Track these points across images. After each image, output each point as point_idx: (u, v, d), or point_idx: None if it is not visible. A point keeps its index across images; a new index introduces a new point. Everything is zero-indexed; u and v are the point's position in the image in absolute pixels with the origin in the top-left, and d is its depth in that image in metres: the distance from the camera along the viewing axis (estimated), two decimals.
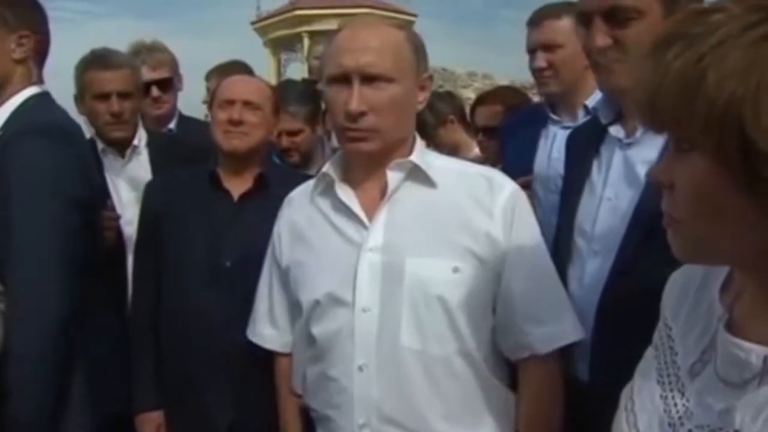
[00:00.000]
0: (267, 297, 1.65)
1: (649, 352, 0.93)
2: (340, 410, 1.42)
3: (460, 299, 1.38)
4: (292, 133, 2.65)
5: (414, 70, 1.44)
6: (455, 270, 1.38)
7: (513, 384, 1.49)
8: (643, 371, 0.92)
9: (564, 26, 2.28)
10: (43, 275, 1.62)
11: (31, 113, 1.76)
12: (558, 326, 1.43)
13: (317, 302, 1.45)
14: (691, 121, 0.68)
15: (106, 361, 1.91)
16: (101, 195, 2.05)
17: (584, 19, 1.44)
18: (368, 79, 1.37)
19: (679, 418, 0.81)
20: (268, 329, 1.65)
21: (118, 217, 2.22)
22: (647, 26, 1.36)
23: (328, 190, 1.50)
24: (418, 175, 1.44)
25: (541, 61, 2.35)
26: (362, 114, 1.37)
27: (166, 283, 2.00)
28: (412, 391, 1.38)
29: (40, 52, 1.88)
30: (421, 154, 1.48)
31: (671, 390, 0.84)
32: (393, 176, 1.43)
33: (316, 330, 1.46)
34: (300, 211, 1.57)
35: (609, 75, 1.43)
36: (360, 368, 1.39)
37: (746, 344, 0.74)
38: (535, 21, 2.39)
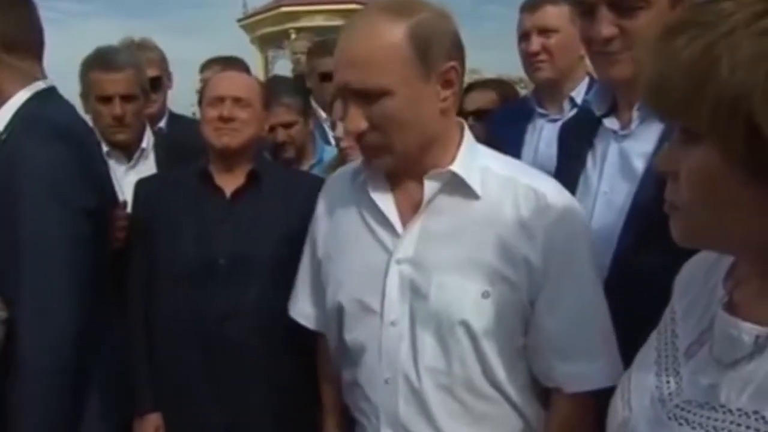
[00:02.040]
0: (309, 275, 1.57)
1: (653, 335, 0.94)
2: (369, 418, 1.39)
3: (486, 326, 1.28)
4: (287, 125, 2.65)
5: (419, 71, 1.24)
6: (485, 295, 1.27)
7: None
8: (643, 352, 0.94)
9: (561, 12, 2.28)
10: (53, 285, 1.57)
11: (36, 114, 1.68)
12: (589, 367, 1.30)
13: (341, 305, 1.40)
14: (700, 110, 0.69)
15: (124, 363, 1.89)
16: (111, 197, 2.00)
17: (586, 8, 1.41)
18: (359, 95, 1.25)
19: (669, 394, 0.84)
20: (310, 307, 1.58)
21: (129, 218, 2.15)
22: (654, 16, 1.33)
23: (365, 186, 1.39)
24: (459, 184, 1.31)
25: (536, 44, 2.34)
26: (363, 133, 1.27)
27: (160, 283, 1.98)
28: (437, 411, 1.32)
29: (26, 45, 1.75)
30: (468, 159, 1.33)
31: (666, 369, 0.87)
32: (430, 186, 1.32)
33: (347, 336, 1.41)
34: (338, 198, 1.48)
35: (612, 66, 1.40)
36: (386, 381, 1.34)
37: (741, 323, 0.76)
38: (532, 5, 2.38)
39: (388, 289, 1.33)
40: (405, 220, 1.35)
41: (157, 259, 1.99)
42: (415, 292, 1.32)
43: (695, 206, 0.75)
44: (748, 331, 0.75)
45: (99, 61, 2.43)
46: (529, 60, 2.39)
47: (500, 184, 1.33)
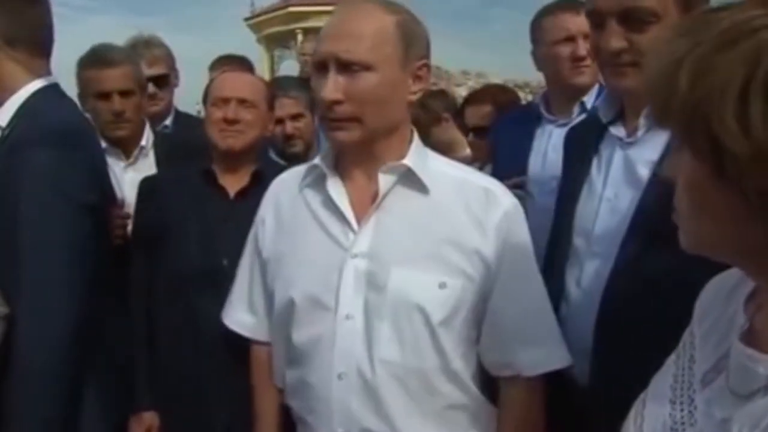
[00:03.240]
0: (247, 282, 1.59)
1: (671, 357, 0.92)
2: (320, 417, 1.39)
3: (444, 315, 1.34)
4: (295, 117, 2.66)
5: (400, 58, 1.34)
6: (441, 285, 1.34)
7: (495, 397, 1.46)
8: (660, 376, 0.92)
9: None
10: (53, 285, 1.56)
11: (38, 112, 1.68)
12: (545, 351, 1.40)
13: (293, 301, 1.41)
14: (671, 117, 0.70)
15: (124, 362, 1.89)
16: (111, 194, 2.00)
17: (597, 20, 1.41)
18: (344, 66, 1.31)
19: (682, 423, 0.81)
20: (246, 316, 1.60)
21: (128, 216, 2.16)
22: (664, 30, 1.32)
23: (318, 183, 1.45)
24: (412, 179, 1.38)
25: (584, 49, 2.26)
26: (337, 102, 1.32)
27: (163, 283, 1.98)
28: (390, 405, 1.34)
29: (33, 42, 1.75)
30: (419, 156, 1.41)
31: (681, 396, 0.84)
32: (384, 179, 1.38)
33: (296, 334, 1.42)
34: (286, 198, 1.52)
35: (621, 77, 1.41)
36: (339, 376, 1.35)
37: (757, 354, 0.74)
38: (572, 8, 2.29)
39: (344, 285, 1.36)
40: (359, 216, 1.39)
41: (160, 258, 1.99)
42: (371, 285, 1.35)
43: (688, 212, 0.75)
44: (764, 363, 0.72)
45: (95, 58, 2.42)
46: (574, 63, 2.32)
47: (450, 182, 1.41)
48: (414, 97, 1.40)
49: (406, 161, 1.38)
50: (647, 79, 0.74)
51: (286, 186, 1.54)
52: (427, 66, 1.41)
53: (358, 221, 1.38)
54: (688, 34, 0.70)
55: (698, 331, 0.89)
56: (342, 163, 1.44)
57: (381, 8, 1.36)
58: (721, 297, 0.89)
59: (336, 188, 1.41)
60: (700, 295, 0.93)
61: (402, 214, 1.38)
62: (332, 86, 1.31)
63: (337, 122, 1.35)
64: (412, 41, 1.37)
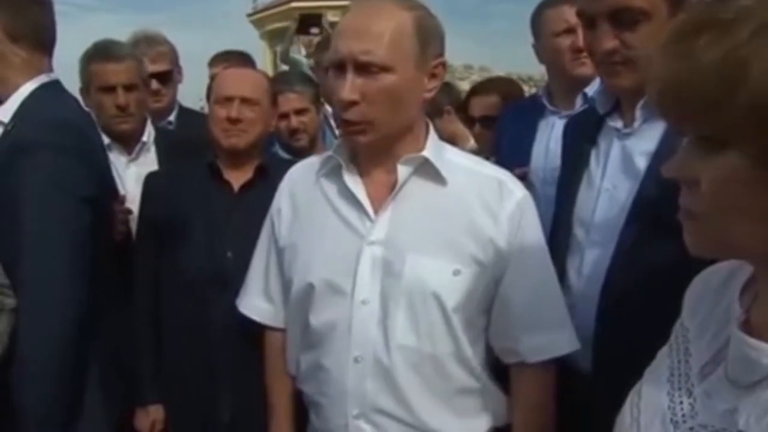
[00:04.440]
0: (263, 270, 1.61)
1: (663, 350, 0.91)
2: (333, 400, 1.42)
3: (457, 302, 1.37)
4: (300, 112, 2.66)
5: (417, 57, 1.34)
6: (456, 272, 1.36)
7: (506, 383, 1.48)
8: (654, 369, 0.91)
9: None
10: (54, 278, 1.58)
11: (40, 108, 1.70)
12: (551, 337, 1.41)
13: (311, 286, 1.43)
14: (728, 116, 0.65)
15: (126, 356, 1.90)
16: (112, 189, 2.03)
17: (588, 21, 1.43)
18: (362, 66, 1.31)
19: (683, 416, 0.81)
20: (262, 302, 1.62)
21: (129, 212, 2.18)
22: (654, 27, 1.34)
23: (334, 173, 1.47)
24: (429, 170, 1.40)
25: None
26: (354, 103, 1.33)
27: (168, 277, 2.00)
28: (405, 387, 1.37)
29: (36, 40, 1.78)
30: (436, 148, 1.43)
31: (679, 389, 0.83)
32: (403, 170, 1.39)
33: (313, 318, 1.44)
34: (302, 188, 1.54)
35: (615, 76, 1.42)
36: (356, 359, 1.38)
37: (759, 344, 0.72)
38: (575, 0, 2.32)
39: (361, 271, 1.38)
40: (375, 205, 1.41)
41: (166, 252, 2.01)
42: (387, 271, 1.37)
43: (717, 215, 0.71)
44: (766, 353, 0.72)
45: (99, 52, 2.44)
46: (574, 54, 2.31)
47: (464, 174, 1.43)
48: (429, 95, 1.41)
49: (425, 153, 1.40)
50: (670, 76, 0.70)
51: (302, 176, 1.56)
52: (443, 64, 1.41)
53: (375, 210, 1.41)
54: (716, 26, 0.66)
55: (690, 324, 0.88)
56: (358, 157, 1.46)
57: (399, 6, 1.35)
58: (711, 290, 0.88)
59: (352, 178, 1.44)
60: (688, 290, 0.92)
61: (418, 204, 1.40)
62: (350, 87, 1.32)
63: (353, 125, 1.36)
64: (430, 39, 1.37)
